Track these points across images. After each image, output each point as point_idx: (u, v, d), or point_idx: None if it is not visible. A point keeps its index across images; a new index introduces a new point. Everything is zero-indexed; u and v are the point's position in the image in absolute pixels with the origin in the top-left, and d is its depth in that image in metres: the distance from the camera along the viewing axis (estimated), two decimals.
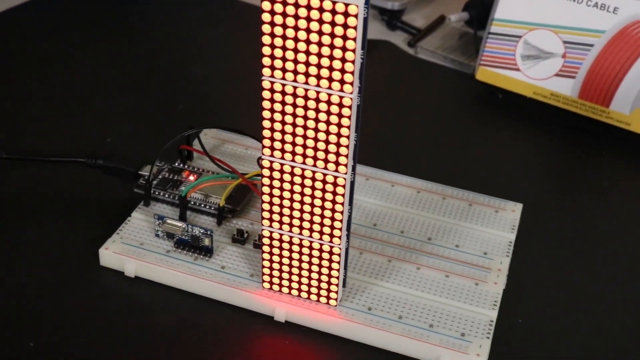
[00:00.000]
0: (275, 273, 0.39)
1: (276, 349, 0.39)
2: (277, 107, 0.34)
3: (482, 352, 0.38)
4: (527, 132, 0.55)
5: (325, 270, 0.38)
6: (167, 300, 0.41)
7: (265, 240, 0.38)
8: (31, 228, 0.44)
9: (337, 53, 0.32)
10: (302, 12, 0.31)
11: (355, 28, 0.31)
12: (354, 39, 0.31)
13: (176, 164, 0.46)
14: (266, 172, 0.36)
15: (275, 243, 0.38)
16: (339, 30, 0.31)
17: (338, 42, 0.32)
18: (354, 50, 0.32)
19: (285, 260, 0.39)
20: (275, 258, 0.39)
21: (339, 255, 0.38)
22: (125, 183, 0.46)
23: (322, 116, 0.34)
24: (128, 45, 0.61)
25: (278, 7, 0.32)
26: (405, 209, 0.45)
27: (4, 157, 0.46)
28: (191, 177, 0.45)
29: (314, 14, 0.31)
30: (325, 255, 0.38)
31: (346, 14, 0.31)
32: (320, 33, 0.32)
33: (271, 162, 0.36)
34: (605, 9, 0.52)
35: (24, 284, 0.41)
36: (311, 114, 0.34)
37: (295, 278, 0.39)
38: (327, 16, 0.31)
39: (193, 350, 0.38)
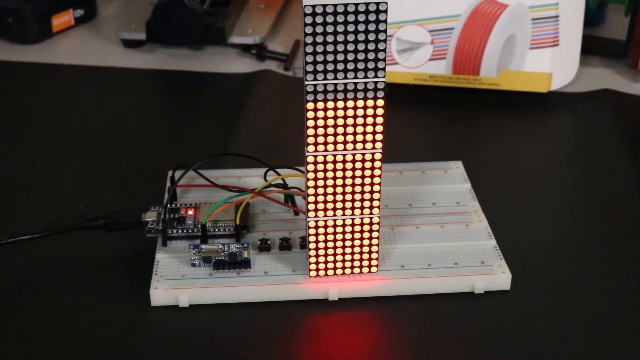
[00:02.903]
0: (321, 259, 0.45)
1: (343, 323, 0.44)
2: (320, 105, 0.40)
3: (505, 270, 0.46)
4: (422, 111, 0.64)
5: (366, 242, 0.44)
6: (229, 315, 0.44)
7: (311, 231, 0.44)
8: (66, 299, 0.45)
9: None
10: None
11: (385, 21, 0.38)
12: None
13: (168, 205, 0.50)
14: (311, 167, 0.42)
15: (321, 230, 0.44)
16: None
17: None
18: (385, 40, 0.39)
19: (330, 244, 0.44)
20: (321, 245, 0.44)
21: (378, 224, 0.44)
22: (131, 233, 0.48)
23: (360, 103, 0.40)
24: (42, 124, 0.62)
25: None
26: None
27: (8, 242, 0.47)
28: (190, 212, 0.49)
29: (351, 18, 0.38)
30: (366, 227, 0.44)
31: (378, 11, 0.38)
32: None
33: (315, 156, 0.42)
34: None
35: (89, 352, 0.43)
36: (350, 103, 0.40)
37: (339, 258, 0.45)
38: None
39: (275, 346, 0.43)
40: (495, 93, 0.65)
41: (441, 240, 0.48)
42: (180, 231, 0.48)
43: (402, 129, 0.62)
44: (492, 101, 0.65)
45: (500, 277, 0.46)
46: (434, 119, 0.64)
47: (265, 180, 0.49)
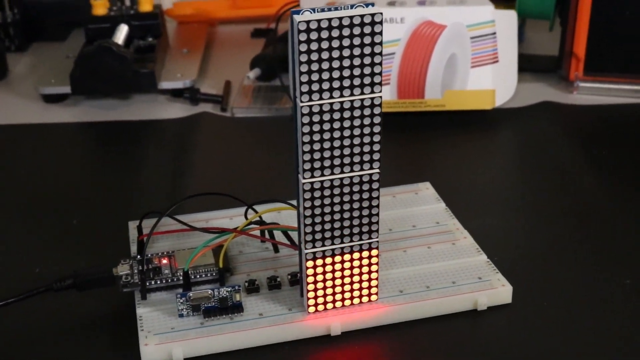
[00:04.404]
0: (320, 293, 0.42)
1: (350, 357, 0.42)
2: (316, 127, 0.38)
3: (504, 283, 0.45)
4: None
5: (365, 269, 0.42)
6: None
7: (309, 263, 0.41)
8: None
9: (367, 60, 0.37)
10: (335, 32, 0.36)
11: (380, 33, 0.37)
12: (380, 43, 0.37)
13: (138, 257, 0.46)
14: (307, 194, 0.40)
15: (319, 262, 0.41)
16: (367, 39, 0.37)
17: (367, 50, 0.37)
18: (380, 53, 0.37)
19: (329, 276, 0.42)
20: (319, 277, 0.42)
21: (377, 248, 0.42)
22: (102, 291, 0.45)
23: (357, 122, 0.38)
24: None
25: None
26: None
27: None
28: (164, 261, 0.46)
29: (346, 31, 0.36)
30: (365, 254, 0.42)
31: (373, 23, 0.36)
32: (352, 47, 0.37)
33: (312, 183, 0.39)
34: (394, 22, 0.63)
35: None
36: (347, 123, 0.38)
37: (338, 290, 0.42)
38: (357, 30, 0.36)
39: None
40: (441, 114, 0.65)
41: (432, 261, 0.46)
42: (159, 282, 0.44)
43: None
44: (438, 122, 0.64)
45: (501, 291, 0.44)
46: (385, 145, 0.62)
47: (246, 218, 0.46)
